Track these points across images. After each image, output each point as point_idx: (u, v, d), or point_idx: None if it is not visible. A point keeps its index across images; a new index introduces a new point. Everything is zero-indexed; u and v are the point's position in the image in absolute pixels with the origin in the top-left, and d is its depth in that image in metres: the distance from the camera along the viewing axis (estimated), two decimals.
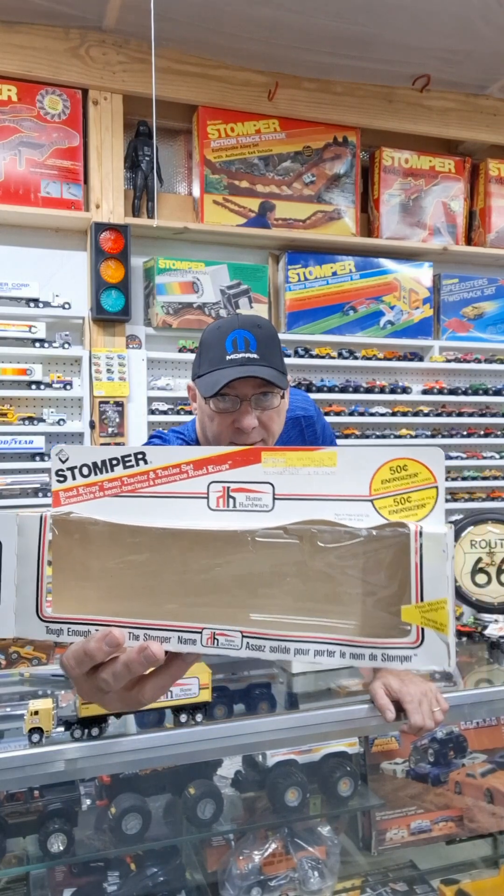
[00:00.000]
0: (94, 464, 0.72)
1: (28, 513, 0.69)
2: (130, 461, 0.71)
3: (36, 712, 1.20)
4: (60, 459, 0.72)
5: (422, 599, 0.61)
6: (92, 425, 3.56)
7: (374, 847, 1.68)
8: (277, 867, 1.55)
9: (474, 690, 1.52)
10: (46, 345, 3.49)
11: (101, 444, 3.55)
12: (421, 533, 0.62)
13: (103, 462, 0.72)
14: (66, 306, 3.54)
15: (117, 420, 3.59)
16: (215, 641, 0.66)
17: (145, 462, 0.71)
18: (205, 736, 1.27)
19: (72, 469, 0.72)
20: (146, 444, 1.59)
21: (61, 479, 0.72)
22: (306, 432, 1.63)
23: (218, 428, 1.39)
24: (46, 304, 3.50)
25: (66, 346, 3.53)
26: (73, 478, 0.72)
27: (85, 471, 0.72)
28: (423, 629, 0.61)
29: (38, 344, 3.47)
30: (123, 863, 1.48)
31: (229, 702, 1.48)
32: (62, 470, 0.72)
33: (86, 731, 1.21)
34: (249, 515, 0.69)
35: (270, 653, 0.65)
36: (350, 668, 1.61)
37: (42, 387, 3.48)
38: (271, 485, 0.68)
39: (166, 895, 1.46)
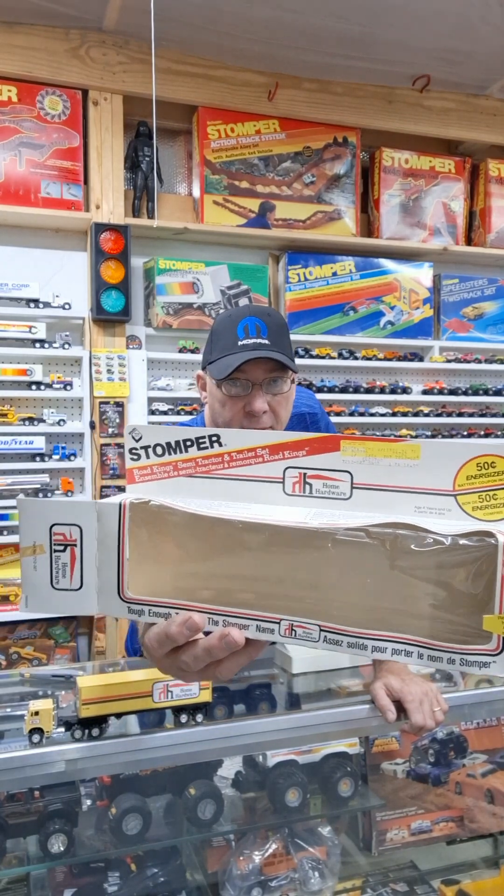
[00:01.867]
0: (168, 444, 0.72)
1: (107, 500, 0.69)
2: (205, 443, 0.72)
3: (36, 713, 1.19)
4: (134, 438, 0.73)
5: None
6: (92, 426, 3.56)
7: (374, 847, 1.67)
8: (278, 867, 1.55)
9: (474, 691, 1.52)
10: (47, 345, 3.49)
11: (102, 445, 3.55)
12: None
13: (177, 443, 0.72)
14: (67, 307, 3.54)
15: (117, 420, 3.59)
16: (293, 632, 0.66)
17: (220, 444, 0.71)
18: (205, 736, 1.26)
19: (145, 448, 0.73)
20: None
21: (135, 457, 0.73)
22: (310, 430, 1.64)
23: (229, 413, 1.41)
24: (46, 305, 3.50)
25: (67, 346, 3.53)
26: (147, 457, 0.73)
27: (159, 450, 0.73)
28: (503, 638, 0.61)
29: (38, 344, 3.47)
30: (124, 863, 1.47)
31: (230, 702, 1.48)
32: (136, 448, 0.73)
33: (86, 731, 1.21)
34: (326, 502, 0.69)
35: (347, 648, 0.65)
36: (351, 668, 1.61)
37: (42, 387, 3.48)
38: (350, 473, 0.68)
39: None
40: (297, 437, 0.70)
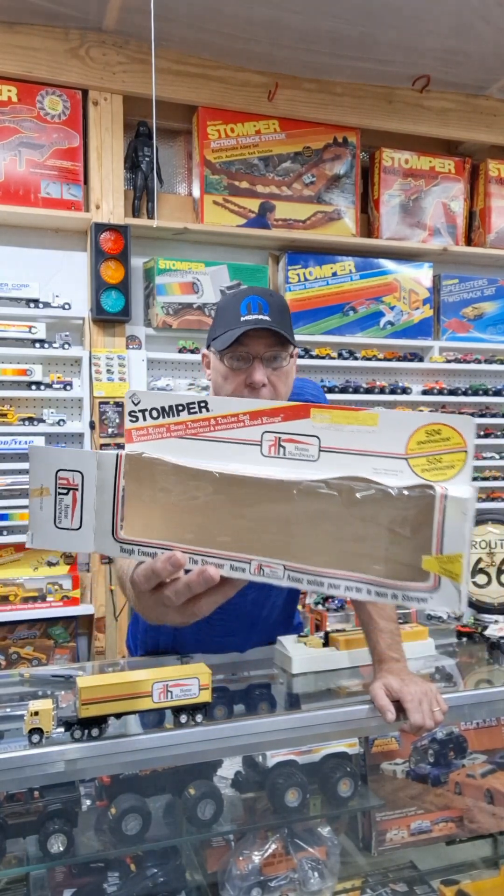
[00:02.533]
0: (163, 408, 0.82)
1: (106, 451, 0.81)
2: (194, 408, 0.81)
3: (36, 713, 1.19)
4: (133, 402, 0.82)
5: (441, 552, 0.71)
6: (92, 426, 3.56)
7: (374, 847, 1.67)
8: (277, 868, 1.55)
9: (474, 691, 1.52)
10: (46, 345, 3.49)
11: (102, 445, 3.55)
12: (446, 496, 0.71)
13: (170, 407, 0.81)
14: (66, 307, 3.54)
15: (117, 420, 3.59)
16: (261, 571, 0.77)
17: (207, 410, 0.81)
18: (205, 736, 1.26)
19: (143, 411, 0.82)
20: None
21: (133, 419, 0.82)
22: None
23: (231, 386, 1.49)
24: (46, 305, 3.50)
25: (66, 346, 3.53)
26: (144, 419, 0.82)
27: (154, 413, 0.82)
28: (439, 577, 0.71)
29: (38, 344, 3.47)
30: (123, 863, 1.47)
31: (229, 702, 1.48)
32: (134, 412, 0.82)
33: (86, 731, 1.21)
34: (297, 463, 0.79)
35: (308, 585, 0.75)
36: (350, 668, 1.61)
37: (42, 387, 3.48)
38: (318, 438, 0.78)
39: None
40: (273, 405, 0.79)
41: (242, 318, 1.46)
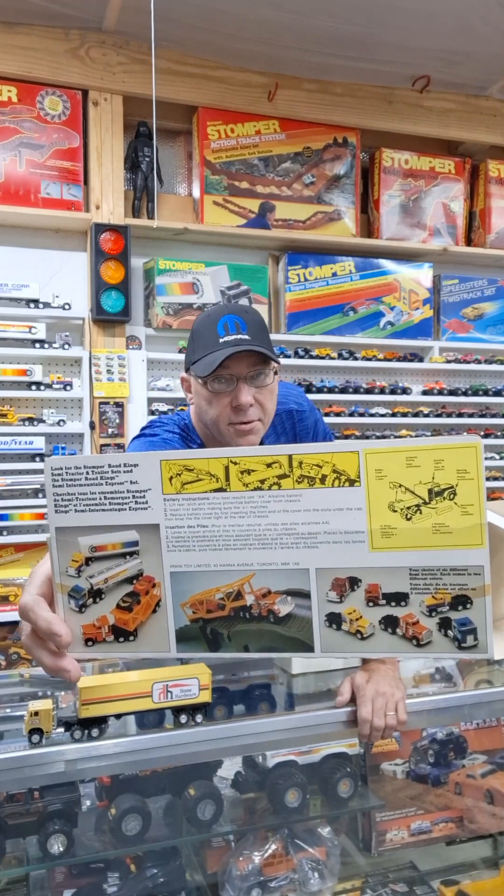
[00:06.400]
0: None
1: None
2: None
3: (36, 713, 1.19)
4: None
5: None
6: (92, 426, 3.56)
7: (374, 848, 1.67)
8: (277, 868, 1.55)
9: (474, 691, 1.52)
10: (46, 345, 3.49)
11: (102, 445, 3.55)
12: None
13: None
14: (67, 307, 3.54)
15: (117, 421, 3.59)
16: None
17: None
18: (205, 737, 1.26)
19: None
20: (140, 437, 1.58)
21: None
22: (297, 426, 1.65)
23: (216, 410, 1.42)
24: (46, 305, 3.50)
25: (67, 346, 3.52)
26: None
27: None
28: None
29: (38, 345, 3.47)
30: (123, 864, 1.47)
31: (229, 702, 1.47)
32: None
33: (86, 731, 1.21)
34: None
35: None
36: (351, 668, 1.61)
37: (42, 387, 3.47)
38: None
39: None
40: None
41: (221, 340, 1.40)
